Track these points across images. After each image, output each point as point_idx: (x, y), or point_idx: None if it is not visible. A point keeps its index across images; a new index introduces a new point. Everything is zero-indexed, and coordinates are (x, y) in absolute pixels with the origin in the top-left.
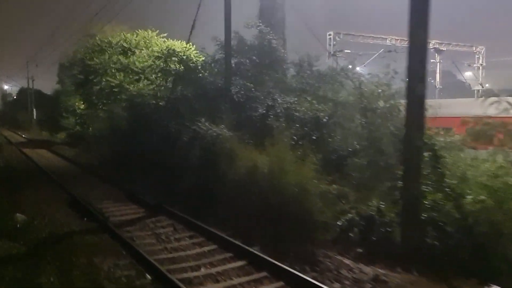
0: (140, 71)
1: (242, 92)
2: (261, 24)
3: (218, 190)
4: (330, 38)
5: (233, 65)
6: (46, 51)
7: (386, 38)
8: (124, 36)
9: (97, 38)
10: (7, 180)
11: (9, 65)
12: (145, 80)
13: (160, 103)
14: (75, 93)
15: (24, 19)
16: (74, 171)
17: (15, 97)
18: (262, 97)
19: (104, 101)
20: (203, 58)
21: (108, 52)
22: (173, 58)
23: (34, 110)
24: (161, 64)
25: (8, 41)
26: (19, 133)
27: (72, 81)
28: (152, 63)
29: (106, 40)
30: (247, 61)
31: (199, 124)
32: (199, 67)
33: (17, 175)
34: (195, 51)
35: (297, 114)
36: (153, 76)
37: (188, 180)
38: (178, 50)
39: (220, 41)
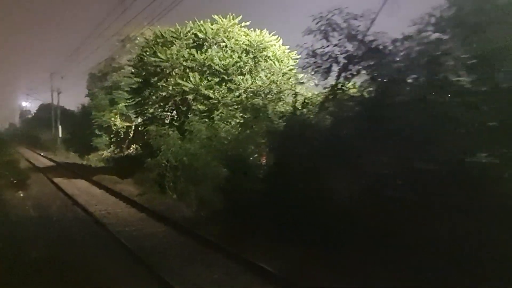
0: (222, 70)
1: None
2: None
3: None
4: None
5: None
6: (70, 63)
7: None
8: (198, 24)
9: (158, 27)
10: (45, 265)
11: (27, 79)
12: (229, 83)
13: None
14: (110, 106)
15: (44, 29)
16: (168, 238)
17: (33, 114)
18: None
19: (174, 114)
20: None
21: (176, 45)
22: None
23: (60, 127)
24: (250, 60)
25: (25, 54)
26: (43, 154)
27: (107, 92)
28: (238, 59)
29: (173, 29)
30: None
31: None
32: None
33: (63, 244)
34: (282, 46)
35: None
36: (240, 77)
37: None
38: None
39: None
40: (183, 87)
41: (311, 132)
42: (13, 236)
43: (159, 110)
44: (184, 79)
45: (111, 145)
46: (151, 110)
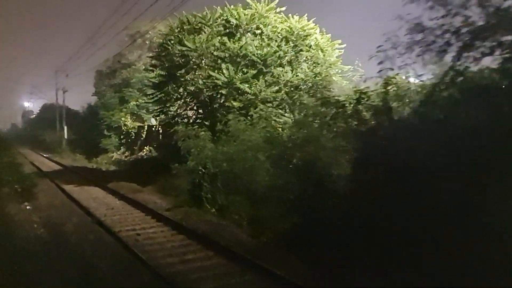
0: (259, 61)
1: None
2: None
3: None
4: None
5: None
6: (75, 61)
7: None
8: (229, 8)
9: (183, 13)
10: None
11: (31, 78)
12: (267, 76)
13: None
14: (119, 105)
15: (48, 26)
16: (232, 277)
17: (36, 114)
18: None
19: (199, 112)
20: None
21: (205, 32)
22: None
23: (65, 128)
24: (290, 49)
25: (28, 52)
26: (47, 156)
27: (115, 90)
28: (277, 48)
29: (200, 15)
30: None
31: None
32: None
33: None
34: (324, 34)
35: None
36: (279, 69)
37: None
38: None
39: None
40: (215, 81)
41: (424, 133)
42: (21, 273)
43: (182, 108)
44: (216, 71)
45: (121, 147)
46: (174, 108)
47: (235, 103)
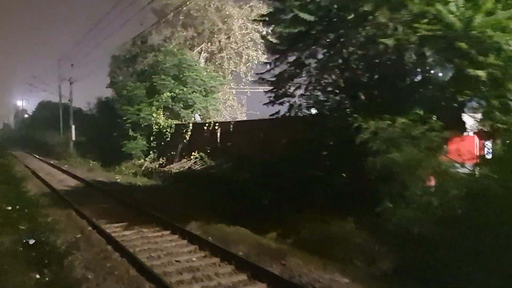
0: None
1: None
2: None
3: None
4: None
5: None
6: (80, 49)
7: None
8: None
9: None
10: None
11: (25, 74)
12: None
13: None
14: (148, 98)
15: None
16: None
17: (28, 114)
18: None
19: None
20: None
21: None
22: None
23: (73, 127)
24: None
25: (24, 45)
26: (53, 162)
27: (139, 79)
28: None
29: None
30: None
31: None
32: None
33: None
34: None
35: None
36: None
37: None
38: None
39: None
40: (433, 28)
41: None
42: None
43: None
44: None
45: (151, 152)
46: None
47: (479, 72)
